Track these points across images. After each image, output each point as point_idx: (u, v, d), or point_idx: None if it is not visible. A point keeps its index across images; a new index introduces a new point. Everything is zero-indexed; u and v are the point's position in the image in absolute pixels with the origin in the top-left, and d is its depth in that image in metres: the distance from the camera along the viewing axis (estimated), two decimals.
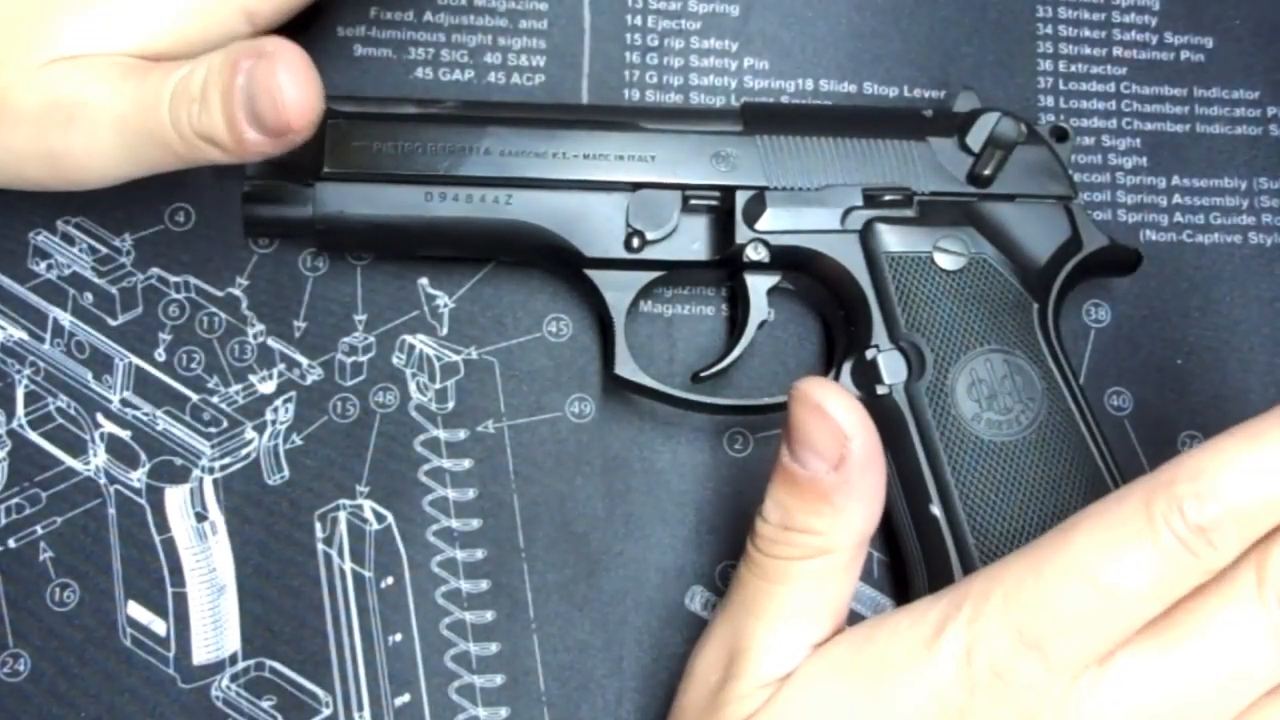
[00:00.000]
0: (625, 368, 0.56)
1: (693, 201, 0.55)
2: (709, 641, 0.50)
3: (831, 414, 0.45)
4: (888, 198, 0.55)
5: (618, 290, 0.56)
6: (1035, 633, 0.42)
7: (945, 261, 0.54)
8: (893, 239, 0.55)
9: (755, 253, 0.55)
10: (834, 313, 0.57)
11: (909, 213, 0.55)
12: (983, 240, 0.55)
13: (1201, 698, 0.42)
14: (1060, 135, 0.58)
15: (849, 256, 0.55)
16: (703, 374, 0.56)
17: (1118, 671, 0.42)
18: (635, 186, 0.55)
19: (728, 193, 0.55)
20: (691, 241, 0.56)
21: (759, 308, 0.56)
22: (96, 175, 0.51)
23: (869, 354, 0.54)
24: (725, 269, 0.56)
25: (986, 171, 0.55)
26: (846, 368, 0.55)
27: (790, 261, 0.55)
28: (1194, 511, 0.40)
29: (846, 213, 0.55)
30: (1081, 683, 0.42)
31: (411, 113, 0.55)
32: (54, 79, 0.49)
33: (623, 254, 0.55)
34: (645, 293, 0.57)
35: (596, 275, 0.56)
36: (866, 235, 0.55)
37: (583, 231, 0.55)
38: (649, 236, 0.55)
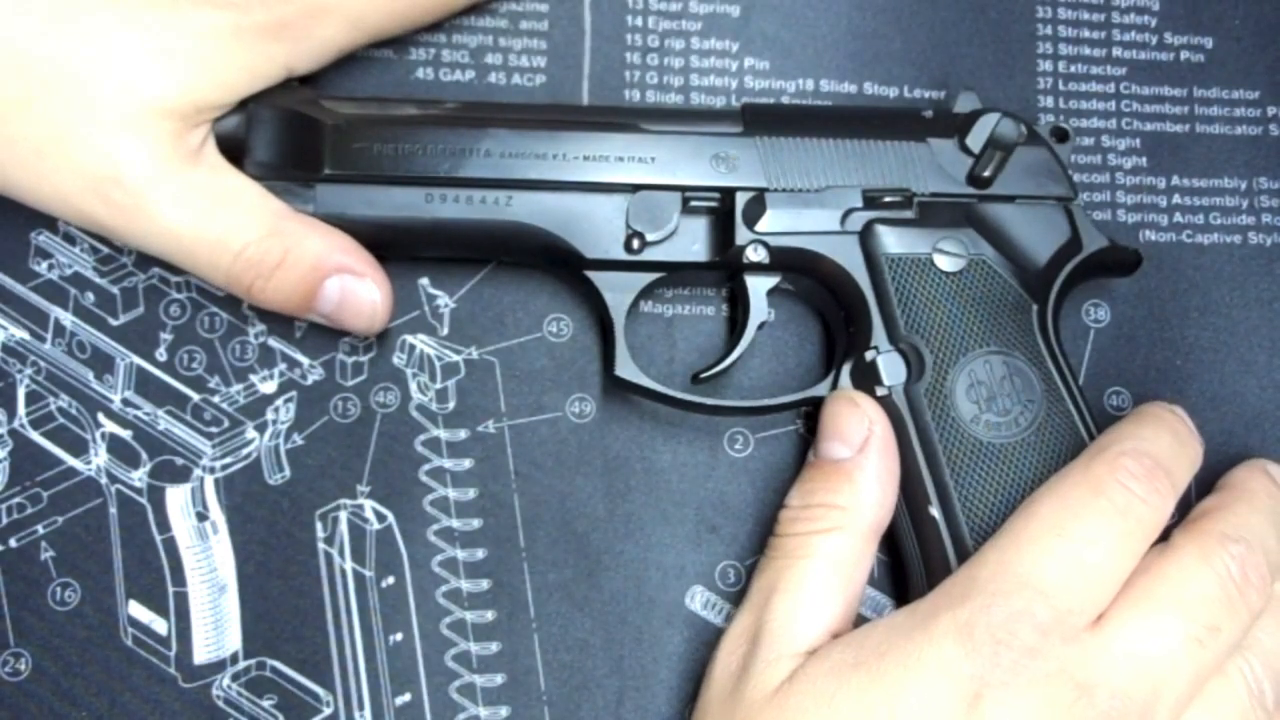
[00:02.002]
0: (625, 369, 0.56)
1: (693, 203, 0.55)
2: (732, 629, 0.52)
3: (861, 404, 0.54)
4: (887, 199, 0.55)
5: (618, 291, 0.56)
6: (1023, 598, 0.46)
7: (945, 263, 0.54)
8: (892, 240, 0.55)
9: (755, 254, 0.55)
10: (834, 314, 0.57)
11: (909, 214, 0.55)
12: (982, 241, 0.55)
13: (1185, 653, 0.46)
14: (1060, 136, 0.58)
15: (849, 258, 0.55)
16: (703, 375, 0.56)
17: (1109, 634, 0.46)
18: (635, 188, 0.55)
19: (728, 194, 0.55)
20: (691, 243, 0.56)
21: (759, 309, 0.56)
22: (137, 246, 0.54)
23: (868, 355, 0.54)
24: (725, 270, 0.56)
25: (986, 173, 0.55)
26: (846, 369, 0.55)
27: (790, 263, 0.55)
28: (1133, 465, 0.48)
29: (846, 214, 0.55)
30: (1078, 646, 0.45)
31: (412, 114, 0.55)
32: (117, 149, 0.50)
33: (623, 255, 0.55)
34: (645, 293, 0.57)
35: (597, 276, 0.56)
36: (866, 236, 0.55)
37: (583, 233, 0.55)
38: (649, 238, 0.55)
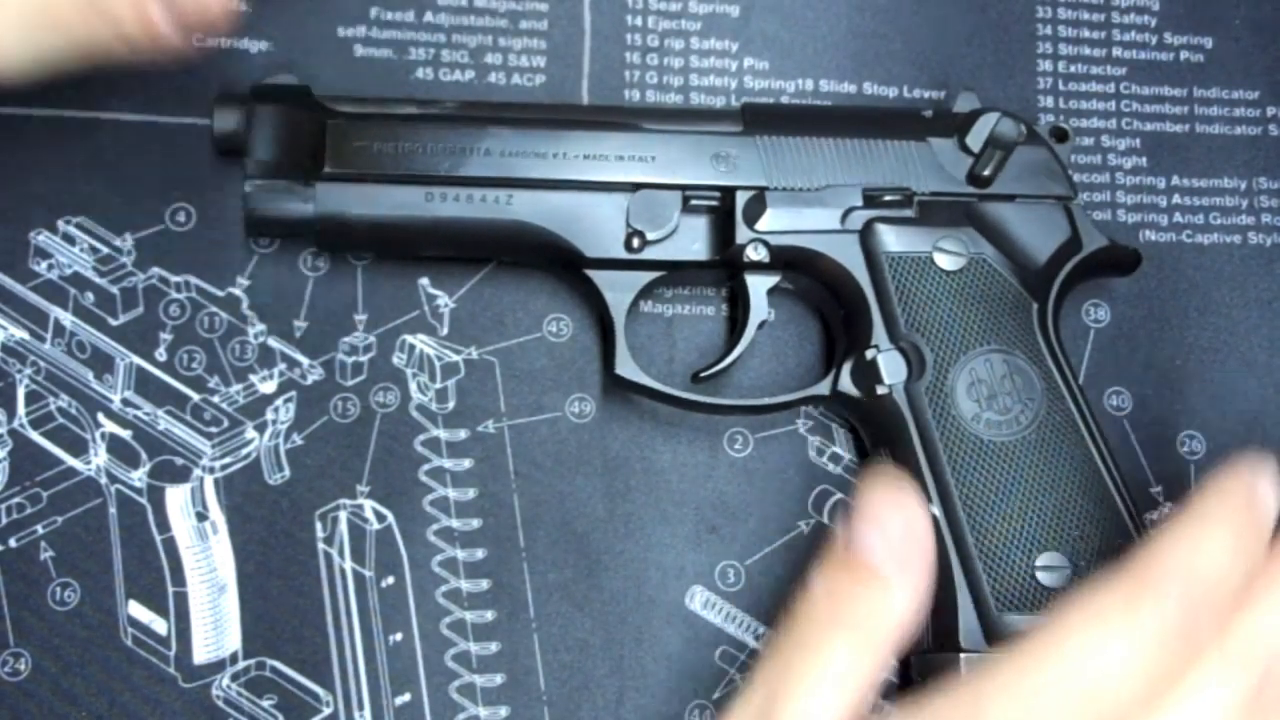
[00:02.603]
0: (625, 368, 0.56)
1: (693, 202, 0.55)
2: (740, 703, 0.48)
3: (907, 492, 0.46)
4: (888, 198, 0.55)
5: (618, 290, 0.56)
6: None
7: (945, 261, 0.54)
8: (892, 239, 0.55)
9: (755, 253, 0.55)
10: (834, 313, 0.57)
11: (909, 213, 0.55)
12: (982, 240, 0.55)
13: None
14: (1060, 135, 0.58)
15: (849, 257, 0.55)
16: (703, 374, 0.56)
17: None
18: (636, 187, 0.55)
19: (728, 193, 0.55)
20: (692, 242, 0.56)
21: (759, 308, 0.56)
22: None
23: (869, 354, 0.54)
24: (725, 269, 0.56)
25: (986, 172, 0.55)
26: (846, 368, 0.55)
27: (790, 262, 0.55)
28: (1178, 611, 0.41)
29: (846, 213, 0.55)
30: None
31: (412, 113, 0.55)
32: None
33: (623, 254, 0.55)
34: (645, 293, 0.57)
35: (597, 275, 0.56)
36: (866, 235, 0.55)
37: (583, 232, 0.55)
38: (649, 237, 0.55)
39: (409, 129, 0.54)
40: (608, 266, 0.56)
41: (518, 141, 0.55)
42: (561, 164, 0.55)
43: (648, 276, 0.56)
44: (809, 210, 0.55)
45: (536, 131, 0.55)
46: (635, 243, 0.55)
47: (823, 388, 0.56)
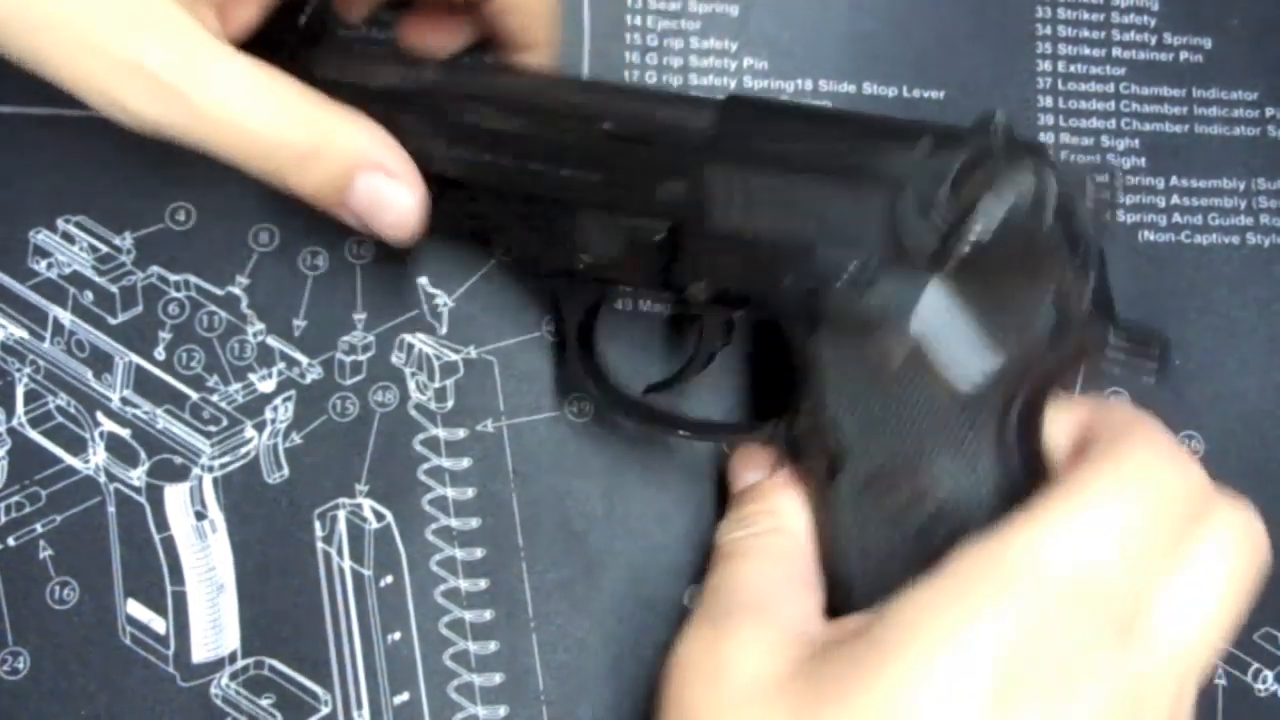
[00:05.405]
0: (574, 376, 0.54)
1: None
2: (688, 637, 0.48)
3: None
4: (839, 257, 0.47)
5: (571, 300, 0.54)
6: None
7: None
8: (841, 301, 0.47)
9: (698, 291, 0.50)
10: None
11: (862, 275, 0.47)
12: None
13: None
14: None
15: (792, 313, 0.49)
16: (652, 388, 0.55)
17: None
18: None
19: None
20: (635, 269, 0.51)
21: (710, 339, 0.53)
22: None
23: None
24: (675, 294, 0.53)
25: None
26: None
27: (738, 302, 0.51)
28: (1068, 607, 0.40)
29: (794, 267, 0.48)
30: None
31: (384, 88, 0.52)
32: None
33: (573, 265, 0.52)
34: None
35: (553, 284, 0.55)
36: (812, 296, 0.48)
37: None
38: (585, 259, 0.52)
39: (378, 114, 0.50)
40: (559, 275, 0.53)
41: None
42: None
43: (598, 290, 0.54)
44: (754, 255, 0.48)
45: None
46: (582, 259, 0.52)
47: (764, 432, 0.52)
